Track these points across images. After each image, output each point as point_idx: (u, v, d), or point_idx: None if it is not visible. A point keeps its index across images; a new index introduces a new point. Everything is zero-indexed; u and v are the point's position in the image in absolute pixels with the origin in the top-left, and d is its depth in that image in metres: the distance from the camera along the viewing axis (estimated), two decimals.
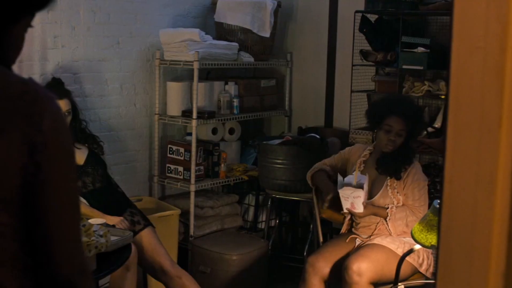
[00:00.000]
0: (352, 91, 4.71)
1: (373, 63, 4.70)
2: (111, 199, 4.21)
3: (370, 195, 3.73)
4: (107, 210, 4.04)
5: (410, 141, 3.75)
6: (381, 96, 4.33)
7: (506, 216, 1.03)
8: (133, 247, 3.67)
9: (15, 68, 4.41)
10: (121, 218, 4.02)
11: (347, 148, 4.06)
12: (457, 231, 1.07)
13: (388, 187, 3.71)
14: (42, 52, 4.36)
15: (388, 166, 3.71)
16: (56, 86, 4.19)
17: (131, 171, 5.04)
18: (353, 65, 4.71)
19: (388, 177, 3.73)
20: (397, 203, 3.67)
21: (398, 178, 3.69)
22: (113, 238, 2.73)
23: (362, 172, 3.74)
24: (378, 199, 3.71)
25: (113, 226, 3.87)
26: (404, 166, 3.70)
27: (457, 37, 1.06)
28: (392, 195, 3.69)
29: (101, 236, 2.55)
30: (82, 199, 4.03)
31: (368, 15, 4.70)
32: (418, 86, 4.41)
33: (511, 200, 1.03)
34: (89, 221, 3.16)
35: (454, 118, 1.06)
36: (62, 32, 4.45)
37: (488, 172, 1.04)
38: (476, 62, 1.04)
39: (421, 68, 4.28)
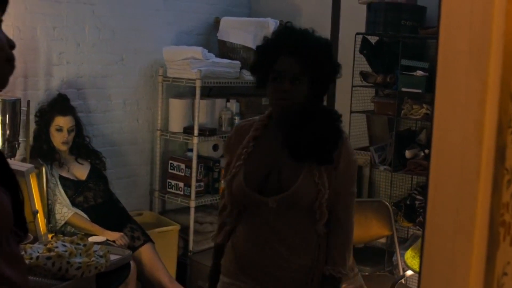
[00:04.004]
0: (351, 112, 4.77)
1: (372, 85, 4.76)
2: (112, 215, 4.27)
3: (279, 184, 2.39)
4: (107, 225, 4.10)
5: (320, 94, 2.46)
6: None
7: (482, 263, 1.09)
8: (132, 263, 3.73)
9: (21, 83, 4.46)
10: (121, 233, 4.08)
11: (226, 141, 2.65)
12: (437, 276, 1.13)
13: (312, 172, 2.37)
14: (47, 68, 4.43)
15: (308, 147, 2.35)
16: (62, 102, 4.27)
17: (133, 185, 5.10)
18: (353, 86, 4.77)
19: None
20: (326, 192, 2.36)
21: (331, 162, 2.37)
22: (113, 257, 2.78)
23: (256, 152, 2.45)
24: (298, 189, 2.35)
25: (113, 241, 3.93)
26: (335, 142, 2.38)
27: (439, 91, 1.12)
28: (319, 180, 2.36)
29: (101, 256, 2.60)
30: (83, 214, 4.10)
31: (369, 37, 4.76)
32: (416, 108, 4.47)
33: (487, 249, 1.09)
34: (90, 239, 3.21)
35: (435, 169, 1.12)
36: (67, 49, 4.53)
37: (467, 220, 1.10)
38: (457, 116, 1.11)
39: (420, 91, 4.34)
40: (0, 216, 1.35)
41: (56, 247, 2.59)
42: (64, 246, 2.61)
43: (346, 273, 2.43)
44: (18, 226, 1.45)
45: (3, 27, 1.46)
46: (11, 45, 1.42)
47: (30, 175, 3.10)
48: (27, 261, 2.52)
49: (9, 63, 1.41)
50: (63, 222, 4.04)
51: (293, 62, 2.36)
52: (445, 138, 1.12)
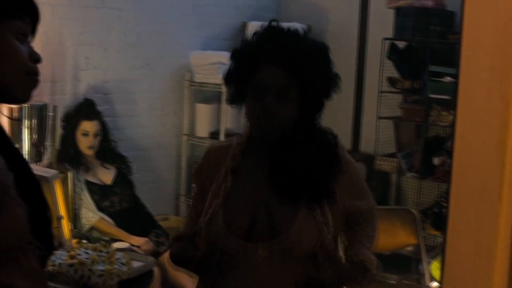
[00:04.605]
0: (379, 118, 4.73)
1: (400, 91, 4.71)
2: (137, 220, 4.27)
3: (271, 227, 1.89)
4: (133, 230, 4.10)
5: (313, 112, 1.92)
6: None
7: (504, 285, 1.06)
8: (157, 269, 3.72)
9: (48, 88, 4.51)
10: (146, 239, 4.08)
11: (195, 167, 2.10)
12: None
13: (312, 209, 1.90)
14: (75, 73, 4.46)
15: (300, 183, 1.87)
16: (88, 106, 4.29)
17: (158, 190, 5.11)
18: (380, 92, 4.73)
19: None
20: (330, 232, 1.89)
21: (331, 197, 1.90)
22: (136, 263, 2.78)
23: (237, 186, 1.95)
24: (296, 232, 1.86)
25: (138, 246, 3.94)
26: (334, 173, 1.90)
27: (460, 111, 1.09)
28: (322, 218, 1.89)
29: (123, 264, 2.60)
30: (108, 219, 4.11)
31: (397, 42, 4.72)
32: (445, 115, 4.41)
33: (509, 270, 1.06)
34: (114, 245, 3.22)
35: (456, 190, 1.09)
36: (94, 54, 4.55)
37: (489, 241, 1.07)
38: (479, 136, 1.07)
39: (448, 97, 4.28)
40: (15, 230, 1.35)
41: (79, 254, 2.59)
42: (87, 253, 2.61)
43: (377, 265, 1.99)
44: (43, 241, 1.45)
45: None
46: (36, 59, 1.42)
47: (54, 181, 3.11)
48: (50, 268, 2.53)
49: (31, 77, 1.41)
50: (88, 227, 4.05)
51: (279, 72, 1.83)
52: (466, 158, 1.09)
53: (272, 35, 1.89)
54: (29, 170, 1.51)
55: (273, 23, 1.92)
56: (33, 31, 1.46)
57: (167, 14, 4.94)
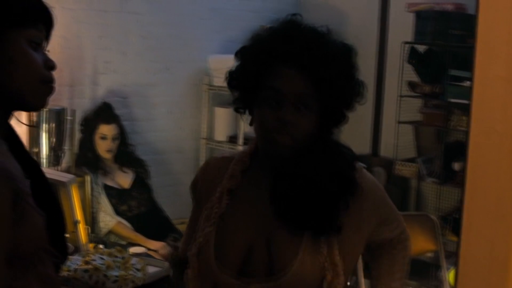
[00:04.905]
0: (399, 122, 4.69)
1: (420, 95, 4.67)
2: (155, 224, 4.27)
3: (269, 262, 1.58)
4: (150, 234, 4.10)
5: (333, 126, 1.64)
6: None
7: None
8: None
9: (67, 92, 4.52)
10: (164, 243, 4.07)
11: (192, 181, 1.85)
12: None
13: (317, 243, 1.57)
14: (93, 77, 4.47)
15: (308, 210, 1.55)
16: (106, 110, 4.29)
17: (177, 194, 5.10)
18: (400, 96, 4.69)
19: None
20: (339, 275, 1.56)
21: (338, 231, 1.57)
22: (152, 269, 2.77)
23: (232, 212, 1.66)
24: (297, 271, 1.55)
25: (155, 251, 3.93)
26: (345, 200, 1.58)
27: (475, 120, 1.07)
28: (327, 258, 1.56)
29: (138, 270, 2.59)
30: (126, 223, 4.11)
31: (417, 46, 4.68)
32: (465, 120, 4.36)
33: None
34: (130, 249, 3.22)
35: (469, 202, 1.06)
36: (113, 58, 4.56)
37: (503, 255, 1.04)
38: (493, 145, 1.05)
39: (468, 102, 4.22)
40: (34, 238, 1.36)
41: (94, 260, 2.59)
42: (102, 259, 2.61)
43: None
44: (57, 248, 1.46)
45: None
46: (51, 66, 1.41)
47: (71, 186, 3.11)
48: (65, 273, 2.53)
49: (45, 84, 1.40)
50: (106, 231, 4.05)
51: (298, 77, 1.54)
52: (479, 170, 1.06)
53: (292, 32, 1.58)
54: (43, 177, 1.51)
55: (295, 17, 1.62)
56: (47, 37, 1.45)
57: (185, 18, 4.94)
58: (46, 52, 1.45)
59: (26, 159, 1.49)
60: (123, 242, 3.93)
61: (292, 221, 1.55)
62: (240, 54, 1.65)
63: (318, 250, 1.54)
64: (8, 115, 1.42)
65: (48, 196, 1.50)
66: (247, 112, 1.66)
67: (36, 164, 1.53)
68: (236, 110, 1.68)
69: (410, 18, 4.71)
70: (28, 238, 1.34)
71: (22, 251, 1.33)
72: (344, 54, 1.60)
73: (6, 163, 1.33)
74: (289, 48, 1.54)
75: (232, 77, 1.65)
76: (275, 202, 1.56)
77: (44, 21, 1.42)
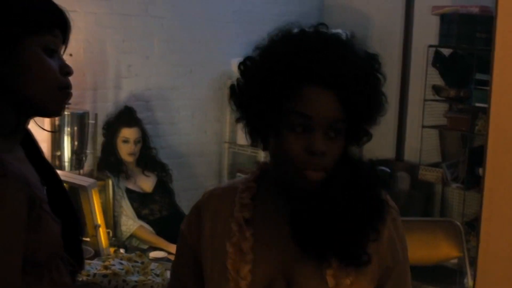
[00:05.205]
0: (423, 126, 4.64)
1: (445, 99, 4.62)
2: (177, 228, 4.24)
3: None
4: (172, 238, 4.09)
5: (357, 142, 1.42)
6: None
7: None
8: None
9: (90, 96, 4.53)
10: None
11: (185, 220, 1.62)
12: None
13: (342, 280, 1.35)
14: (116, 80, 4.48)
15: (331, 238, 1.32)
16: (128, 114, 4.30)
17: (199, 197, 5.09)
18: (425, 100, 4.64)
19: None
20: None
21: (365, 262, 1.33)
22: None
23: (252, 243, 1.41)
24: None
25: None
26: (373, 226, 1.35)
27: (493, 131, 1.04)
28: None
29: (157, 275, 2.58)
30: (148, 227, 4.10)
31: (442, 49, 4.63)
32: None
33: None
34: (151, 254, 3.21)
35: (487, 212, 1.04)
36: (136, 61, 4.56)
37: None
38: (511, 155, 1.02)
39: None
40: (50, 245, 1.36)
41: (113, 264, 2.58)
42: (121, 264, 2.60)
43: None
44: (73, 256, 1.46)
45: (73, 43, 1.47)
46: (67, 72, 1.41)
47: (92, 190, 3.11)
48: (84, 278, 2.52)
49: (62, 90, 1.40)
50: (128, 235, 4.05)
51: (329, 99, 1.28)
52: (498, 178, 1.04)
53: (318, 44, 1.30)
54: (60, 183, 1.51)
55: (322, 28, 1.34)
56: (64, 41, 1.44)
57: (208, 22, 4.94)
58: (68, 56, 1.44)
59: (43, 165, 1.49)
60: (145, 246, 3.93)
61: (315, 248, 1.32)
62: (249, 68, 1.37)
63: (342, 282, 1.32)
64: (25, 120, 1.42)
65: (65, 203, 1.49)
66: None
67: (53, 170, 1.53)
68: (253, 141, 1.42)
69: (434, 21, 4.67)
70: (43, 245, 1.34)
71: (37, 258, 1.33)
72: (372, 68, 1.36)
73: (22, 170, 1.33)
74: (318, 63, 1.27)
75: (243, 94, 1.38)
76: (295, 229, 1.33)
77: (59, 26, 1.41)
